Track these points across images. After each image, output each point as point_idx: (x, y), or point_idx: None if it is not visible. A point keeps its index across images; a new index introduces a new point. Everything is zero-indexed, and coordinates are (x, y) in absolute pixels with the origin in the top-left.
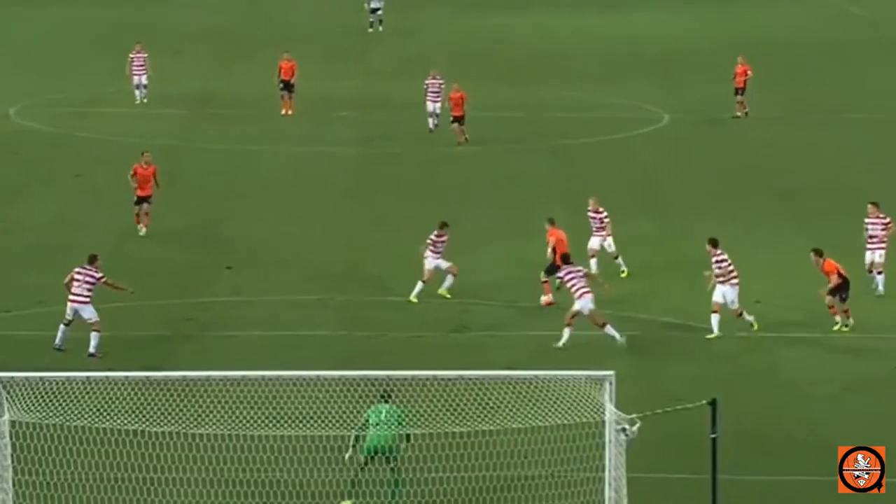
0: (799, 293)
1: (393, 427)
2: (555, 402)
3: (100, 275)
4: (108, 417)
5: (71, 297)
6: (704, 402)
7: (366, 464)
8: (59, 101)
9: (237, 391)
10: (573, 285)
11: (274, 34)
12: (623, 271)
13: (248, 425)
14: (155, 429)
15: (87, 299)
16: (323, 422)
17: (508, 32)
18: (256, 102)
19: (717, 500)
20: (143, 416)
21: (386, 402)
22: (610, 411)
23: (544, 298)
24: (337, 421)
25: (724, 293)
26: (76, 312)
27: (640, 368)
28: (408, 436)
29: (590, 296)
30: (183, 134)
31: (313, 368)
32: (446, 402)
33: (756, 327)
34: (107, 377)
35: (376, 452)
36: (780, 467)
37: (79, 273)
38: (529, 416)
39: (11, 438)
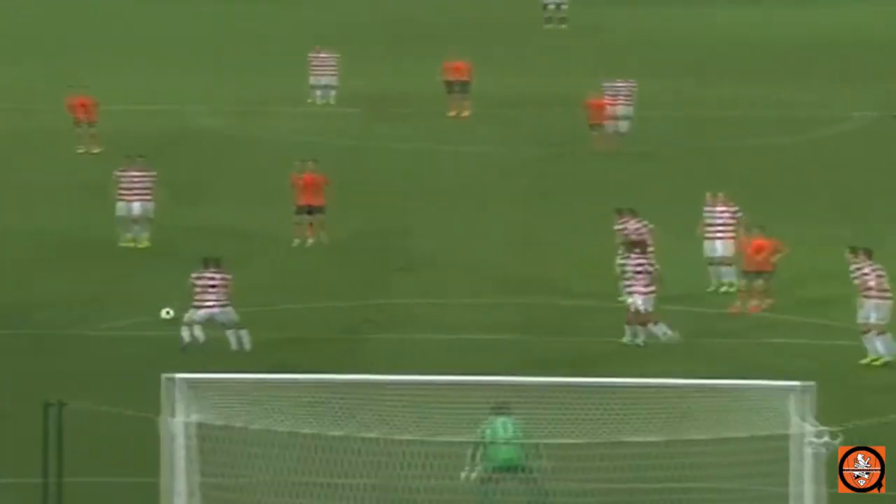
0: None
1: (514, 441)
2: (752, 413)
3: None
4: (288, 420)
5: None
6: None
7: (490, 480)
8: (236, 100)
9: (415, 393)
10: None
11: (449, 29)
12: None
13: (428, 431)
14: (333, 433)
15: (225, 303)
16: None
17: (689, 26)
18: (434, 100)
19: None
20: (322, 419)
21: (502, 414)
22: (809, 424)
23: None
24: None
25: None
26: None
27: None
28: (536, 448)
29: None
30: (360, 134)
31: (490, 373)
32: (617, 411)
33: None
34: (287, 379)
35: (508, 469)
36: None
37: (209, 278)
38: (718, 426)
39: (194, 440)
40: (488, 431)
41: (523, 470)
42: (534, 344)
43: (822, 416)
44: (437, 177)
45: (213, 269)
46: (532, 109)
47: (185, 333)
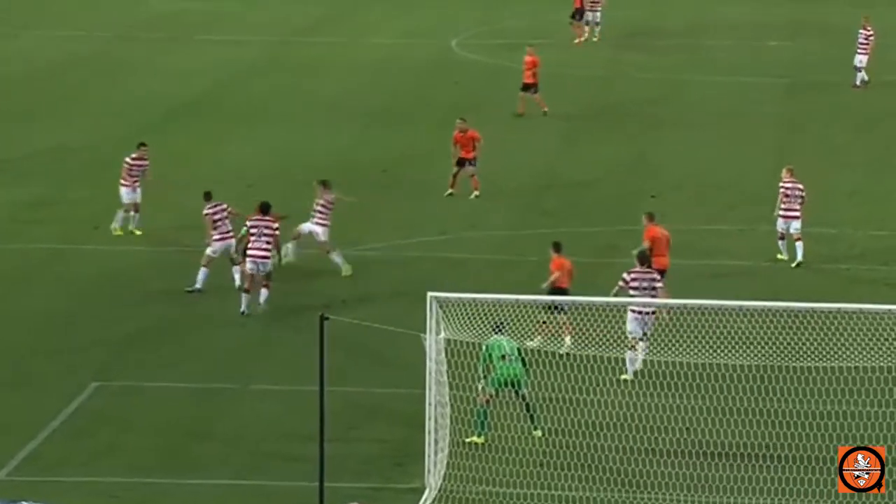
0: None
1: (516, 359)
2: None
3: (276, 226)
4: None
5: (249, 251)
6: None
7: (496, 395)
8: (499, 33)
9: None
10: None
11: None
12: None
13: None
14: (588, 352)
15: (268, 254)
16: (749, 351)
17: None
18: (685, 32)
19: None
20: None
21: (500, 334)
22: None
23: None
24: (760, 351)
25: None
26: (257, 269)
27: None
28: (526, 367)
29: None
30: (612, 65)
31: (736, 298)
32: (874, 337)
33: None
34: (533, 300)
35: (506, 385)
36: None
37: (254, 226)
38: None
39: (447, 355)
40: (496, 350)
41: (519, 387)
42: (778, 270)
43: None
44: (686, 105)
45: None
46: (784, 38)
47: None
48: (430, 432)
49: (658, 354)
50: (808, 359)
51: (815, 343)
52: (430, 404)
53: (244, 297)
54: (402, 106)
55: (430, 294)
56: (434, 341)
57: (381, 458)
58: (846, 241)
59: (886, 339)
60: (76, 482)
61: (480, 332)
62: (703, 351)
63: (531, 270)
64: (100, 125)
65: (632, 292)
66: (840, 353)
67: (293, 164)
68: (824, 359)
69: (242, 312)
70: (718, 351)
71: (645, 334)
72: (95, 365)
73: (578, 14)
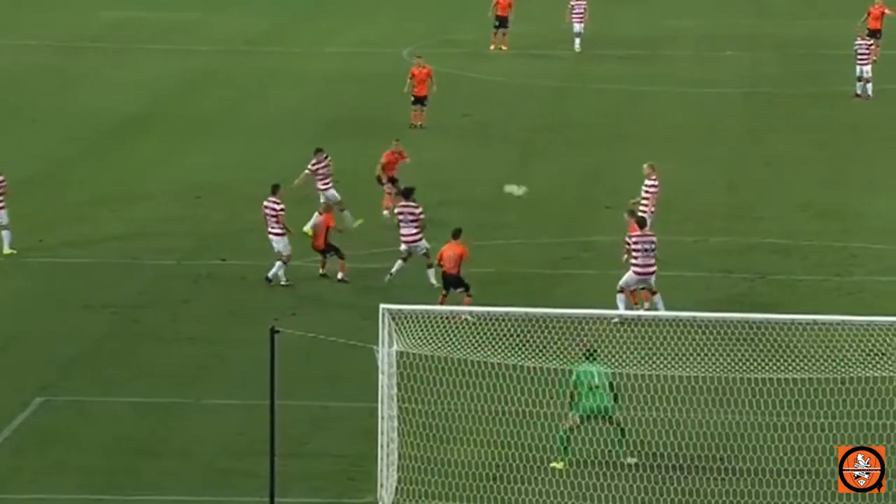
0: None
1: (607, 387)
2: None
3: (280, 206)
4: (486, 351)
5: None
6: None
7: (581, 423)
8: (451, 42)
9: (609, 328)
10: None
11: None
12: None
13: (625, 363)
14: (533, 363)
15: (278, 233)
16: (704, 362)
17: None
18: (643, 43)
19: None
20: (525, 351)
21: (592, 362)
22: None
23: None
24: (714, 362)
25: None
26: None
27: None
28: (616, 396)
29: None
30: (570, 76)
31: (691, 310)
32: (827, 348)
33: None
34: (488, 312)
35: (596, 413)
36: None
37: (266, 206)
38: None
39: (399, 368)
40: (584, 378)
41: (611, 418)
42: (735, 281)
43: None
44: (644, 116)
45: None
46: (741, 49)
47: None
48: (382, 446)
49: (612, 367)
50: (762, 370)
51: (770, 354)
52: (382, 418)
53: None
54: (354, 117)
55: (382, 306)
56: (386, 354)
57: (334, 472)
58: (800, 253)
59: (840, 350)
60: (23, 499)
61: (433, 344)
62: (658, 362)
63: (486, 281)
64: (44, 138)
65: (634, 254)
66: (794, 364)
67: (243, 177)
68: (778, 370)
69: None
70: (672, 362)
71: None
72: (40, 380)
73: (499, 21)
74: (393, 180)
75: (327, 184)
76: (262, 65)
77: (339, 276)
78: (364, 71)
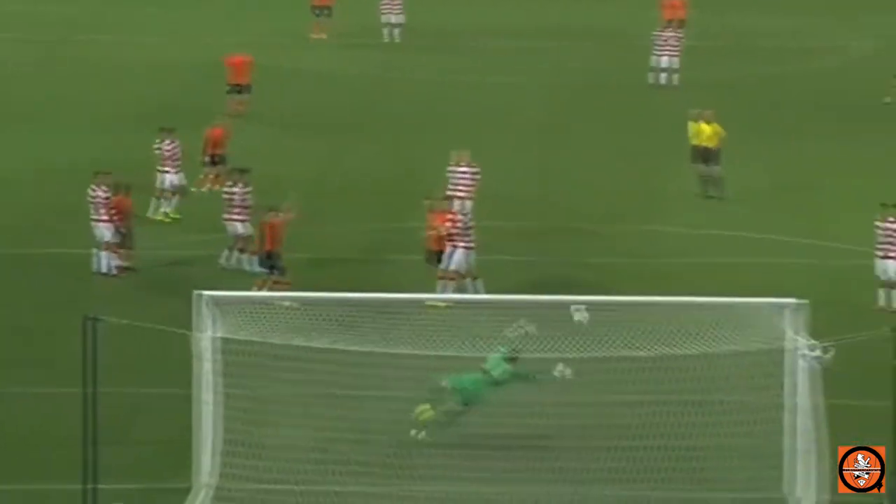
0: None
1: (492, 380)
2: (743, 329)
3: (108, 194)
4: (305, 335)
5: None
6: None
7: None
8: (272, 32)
9: (427, 314)
10: None
11: None
12: None
13: (441, 345)
14: (354, 347)
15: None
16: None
17: None
18: (456, 34)
19: None
20: (342, 336)
21: (509, 362)
22: (802, 339)
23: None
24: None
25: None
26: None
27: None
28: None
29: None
30: (387, 66)
31: (503, 293)
32: (635, 327)
33: None
34: (306, 297)
35: (456, 389)
36: None
37: (91, 193)
38: (717, 341)
39: (217, 354)
40: (490, 364)
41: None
42: (545, 265)
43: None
44: (453, 106)
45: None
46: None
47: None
48: (200, 431)
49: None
50: (576, 350)
51: (582, 334)
52: (201, 403)
53: None
54: (169, 105)
55: (196, 292)
56: (203, 340)
57: (152, 458)
58: (607, 237)
59: (650, 329)
60: None
61: (251, 329)
62: (477, 344)
63: (303, 266)
64: None
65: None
66: (606, 343)
67: (61, 165)
68: (591, 349)
69: None
70: (490, 344)
71: None
72: None
73: (319, 10)
74: (217, 160)
75: (168, 169)
76: (76, 54)
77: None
78: (182, 60)
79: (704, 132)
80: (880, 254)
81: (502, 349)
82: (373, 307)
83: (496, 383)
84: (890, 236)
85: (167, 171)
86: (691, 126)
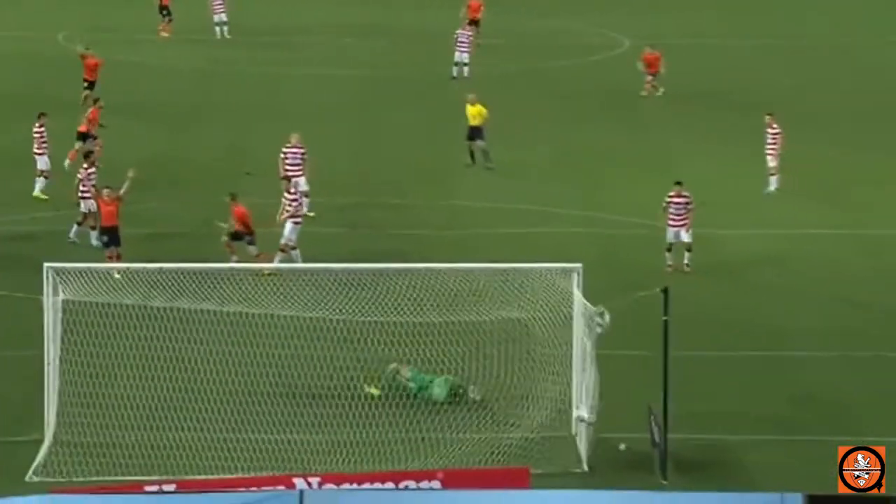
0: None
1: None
2: (536, 292)
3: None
4: (139, 296)
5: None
6: (658, 290)
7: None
8: (108, 27)
9: (260, 281)
10: None
11: None
12: None
13: (269, 306)
14: (191, 305)
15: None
16: (332, 306)
17: None
18: (280, 30)
19: (668, 373)
20: (176, 301)
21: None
22: (578, 301)
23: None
24: (342, 306)
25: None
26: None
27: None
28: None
29: None
30: (217, 60)
31: (322, 261)
32: (435, 291)
33: None
34: (143, 268)
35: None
36: (728, 343)
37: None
38: (508, 303)
39: (65, 314)
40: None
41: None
42: (359, 237)
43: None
44: (279, 96)
45: None
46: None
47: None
48: (48, 388)
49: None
50: (383, 314)
51: (389, 299)
52: (48, 363)
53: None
54: (7, 100)
55: (46, 264)
56: (51, 304)
57: (2, 415)
58: (412, 210)
59: (448, 293)
60: None
61: (95, 294)
62: (297, 306)
63: (141, 240)
64: None
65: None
66: (409, 307)
67: None
68: (397, 314)
69: None
70: (309, 306)
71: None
72: None
73: (165, 10)
74: (87, 136)
75: (42, 151)
76: None
77: None
78: (16, 53)
79: (470, 112)
80: (672, 223)
81: (450, 378)
82: (209, 275)
83: (449, 388)
84: (680, 207)
85: (37, 153)
86: (468, 109)
